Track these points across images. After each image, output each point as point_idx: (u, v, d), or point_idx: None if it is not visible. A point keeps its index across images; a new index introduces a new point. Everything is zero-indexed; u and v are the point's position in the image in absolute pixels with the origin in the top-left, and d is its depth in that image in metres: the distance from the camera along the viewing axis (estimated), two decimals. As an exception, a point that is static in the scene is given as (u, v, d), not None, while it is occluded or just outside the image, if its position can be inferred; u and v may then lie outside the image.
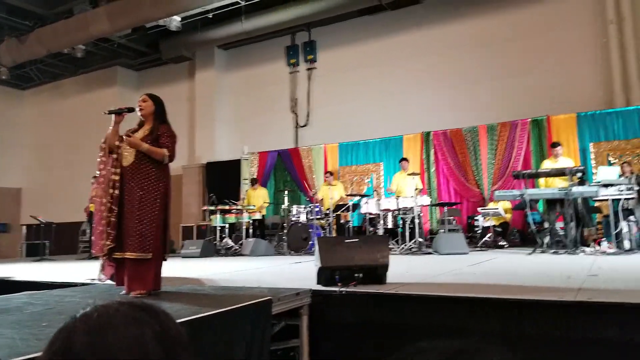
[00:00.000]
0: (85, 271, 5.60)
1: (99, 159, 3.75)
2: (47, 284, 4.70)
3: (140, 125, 3.82)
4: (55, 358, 0.70)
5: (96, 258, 3.91)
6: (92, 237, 3.74)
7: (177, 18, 11.64)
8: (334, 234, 9.25)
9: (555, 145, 7.86)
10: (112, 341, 0.69)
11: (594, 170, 8.97)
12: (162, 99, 3.89)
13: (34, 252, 12.02)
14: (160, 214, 3.63)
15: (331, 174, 10.57)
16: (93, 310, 0.75)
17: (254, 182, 11.30)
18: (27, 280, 5.06)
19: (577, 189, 6.74)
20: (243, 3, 11.57)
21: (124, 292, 3.58)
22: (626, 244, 6.51)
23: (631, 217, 6.75)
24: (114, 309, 0.76)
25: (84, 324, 0.72)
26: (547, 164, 7.79)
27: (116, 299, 0.81)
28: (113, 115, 3.78)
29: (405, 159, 9.71)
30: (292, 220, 9.26)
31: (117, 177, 3.64)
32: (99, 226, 3.64)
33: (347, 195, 10.11)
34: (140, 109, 3.77)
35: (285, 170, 12.69)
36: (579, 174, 6.93)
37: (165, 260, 3.76)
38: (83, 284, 4.48)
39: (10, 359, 1.69)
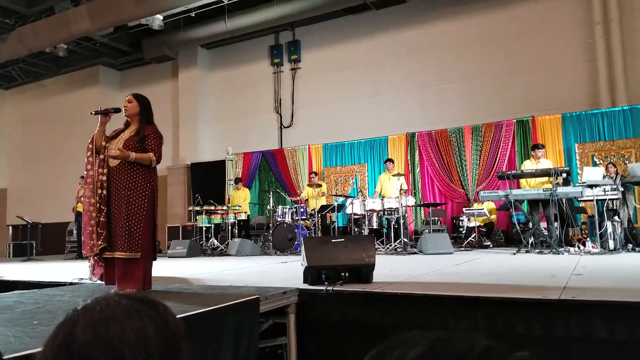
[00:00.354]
0: (73, 271, 5.57)
1: (86, 159, 3.73)
2: (36, 283, 4.67)
3: (126, 125, 3.83)
4: (58, 351, 0.69)
5: (84, 258, 3.89)
6: (82, 237, 3.72)
7: (160, 17, 11.57)
8: (319, 235, 9.25)
9: (536, 147, 7.95)
10: (114, 333, 0.69)
11: (579, 171, 9.09)
12: (147, 99, 3.88)
13: (21, 253, 11.91)
14: (148, 214, 3.65)
15: (316, 174, 10.58)
16: (94, 302, 0.75)
17: (237, 181, 11.28)
18: (16, 280, 5.03)
19: (562, 190, 6.83)
20: (226, 2, 11.52)
21: (113, 291, 3.55)
22: (610, 244, 6.60)
23: (615, 218, 6.85)
24: (115, 302, 0.76)
25: (86, 316, 0.72)
26: (528, 165, 7.89)
27: (115, 293, 0.80)
28: (99, 116, 3.75)
29: (390, 160, 9.74)
30: (277, 221, 9.25)
31: (104, 178, 3.65)
32: (88, 226, 3.63)
33: (331, 195, 10.13)
34: (126, 110, 3.76)
35: (270, 171, 12.67)
36: (564, 175, 7.01)
37: (155, 259, 3.76)
38: (72, 284, 4.46)
39: (5, 355, 1.69)
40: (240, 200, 10.66)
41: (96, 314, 0.72)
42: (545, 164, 7.71)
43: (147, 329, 0.71)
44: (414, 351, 0.55)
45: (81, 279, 4.54)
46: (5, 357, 1.66)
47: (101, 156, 3.69)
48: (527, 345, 2.71)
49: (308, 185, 10.50)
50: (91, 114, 3.82)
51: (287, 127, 13.31)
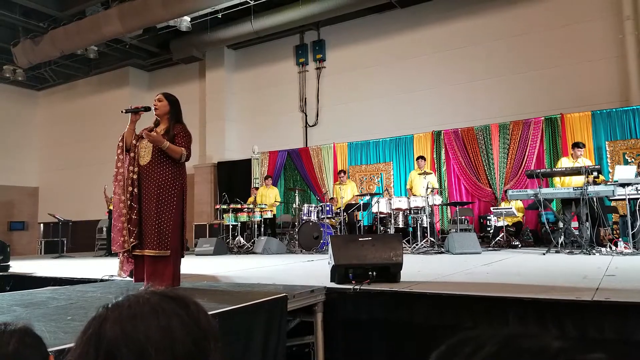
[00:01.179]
0: (104, 268, 5.68)
1: (116, 157, 3.80)
2: (68, 280, 4.79)
3: (156, 124, 3.88)
4: (87, 345, 0.72)
5: (114, 255, 3.97)
6: (112, 234, 3.80)
7: (187, 18, 11.71)
8: (345, 233, 9.25)
9: (577, 145, 7.64)
10: (140, 330, 0.71)
11: (609, 169, 8.87)
12: (177, 98, 3.93)
13: (52, 250, 12.22)
14: (177, 212, 3.70)
15: (344, 172, 10.58)
16: (125, 299, 0.77)
17: (267, 178, 11.34)
18: (49, 276, 5.16)
19: (593, 189, 6.64)
20: (252, 3, 11.60)
21: (145, 287, 3.61)
22: (643, 244, 6.43)
23: (648, 217, 6.66)
24: (144, 299, 0.77)
25: (115, 313, 0.74)
26: (565, 163, 7.67)
27: (148, 289, 0.82)
28: (130, 114, 3.81)
29: (421, 157, 9.57)
30: (303, 219, 9.28)
31: (135, 176, 3.70)
32: (118, 223, 3.69)
33: (357, 195, 10.10)
34: (156, 109, 3.82)
35: (295, 169, 12.71)
36: (595, 173, 6.83)
37: (183, 257, 3.81)
38: (103, 280, 4.55)
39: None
40: (271, 198, 10.69)
41: (125, 310, 0.74)
42: (583, 163, 7.41)
43: (173, 329, 0.72)
44: (485, 350, 0.54)
45: (111, 275, 4.62)
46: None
47: (132, 154, 3.75)
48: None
49: (336, 183, 10.46)
50: (122, 112, 3.89)
51: (312, 125, 13.33)
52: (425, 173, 8.89)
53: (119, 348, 0.70)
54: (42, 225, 15.55)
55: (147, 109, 3.88)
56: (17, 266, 6.62)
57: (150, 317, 0.73)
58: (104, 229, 11.84)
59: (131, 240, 3.61)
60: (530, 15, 10.82)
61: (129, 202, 3.65)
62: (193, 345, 0.73)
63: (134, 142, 3.77)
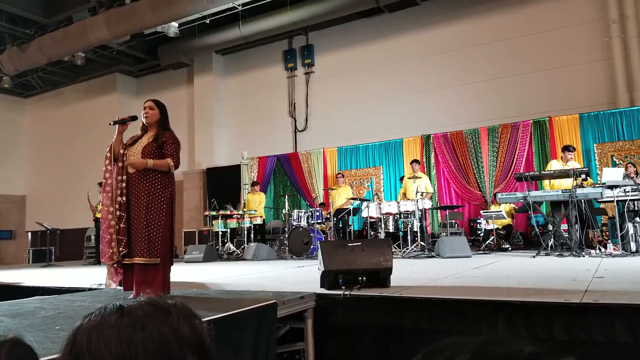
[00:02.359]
0: (92, 277, 5.63)
1: (104, 168, 3.77)
2: (56, 289, 4.73)
3: (144, 131, 3.85)
4: (64, 353, 0.74)
5: (103, 264, 3.93)
6: (100, 246, 3.77)
7: (175, 24, 11.68)
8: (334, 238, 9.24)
9: (567, 149, 7.66)
10: (102, 341, 0.72)
11: (598, 172, 8.94)
12: (165, 106, 3.92)
13: (40, 259, 12.10)
14: (167, 219, 3.69)
15: (342, 176, 10.61)
16: (101, 309, 0.78)
17: (254, 184, 11.32)
18: (36, 286, 5.10)
19: (581, 191, 6.69)
20: (240, 8, 11.59)
21: (131, 296, 3.59)
22: (632, 246, 6.48)
23: (637, 219, 6.69)
24: (118, 309, 0.77)
25: (86, 321, 0.76)
26: (555, 165, 7.70)
27: (131, 299, 0.81)
28: (117, 125, 3.79)
29: (415, 161, 9.53)
30: (292, 225, 9.26)
31: (124, 185, 3.69)
32: (106, 234, 3.67)
33: (350, 198, 10.09)
34: (146, 116, 3.79)
35: (285, 175, 12.69)
36: (583, 176, 6.89)
37: (172, 264, 3.79)
38: (91, 289, 4.50)
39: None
40: (256, 204, 10.69)
41: (95, 319, 0.75)
42: (573, 166, 7.41)
43: (133, 340, 0.72)
44: (459, 357, 0.54)
45: (100, 284, 4.57)
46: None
47: (120, 164, 3.73)
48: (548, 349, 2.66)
49: (331, 188, 10.38)
50: (110, 124, 3.86)
51: (302, 130, 13.33)
52: (415, 177, 8.90)
53: (83, 356, 0.71)
54: (29, 233, 15.38)
55: (134, 118, 3.87)
56: (4, 276, 6.54)
57: (114, 327, 0.73)
58: (92, 237, 11.74)
59: (120, 249, 3.58)
60: (517, 20, 10.91)
61: (117, 212, 3.63)
62: (163, 356, 0.72)
63: (121, 151, 3.75)
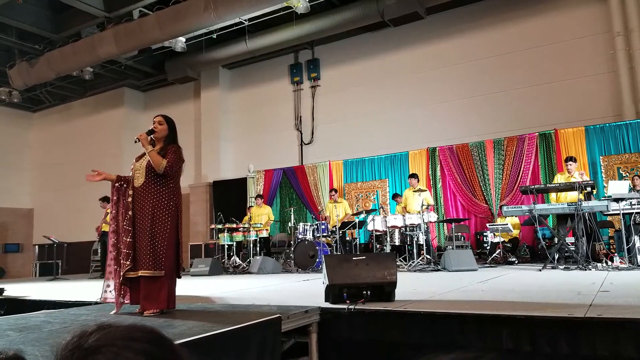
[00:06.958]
0: (98, 290, 5.61)
1: (111, 201, 3.86)
2: (62, 303, 4.75)
3: (152, 145, 3.87)
4: None
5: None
6: (107, 261, 3.80)
7: (182, 39, 11.83)
8: (340, 252, 9.22)
9: (570, 160, 7.65)
10: None
11: (604, 184, 8.91)
12: (174, 122, 3.96)
13: (48, 272, 12.15)
14: (172, 232, 3.69)
15: (336, 191, 10.57)
16: (82, 328, 0.79)
17: (258, 197, 11.34)
18: (43, 300, 5.12)
19: (587, 204, 6.66)
20: (247, 23, 11.72)
21: (137, 310, 3.62)
22: (639, 259, 6.43)
23: (644, 232, 6.67)
24: (94, 331, 0.78)
25: (67, 340, 0.78)
26: (559, 179, 7.70)
27: (111, 322, 0.81)
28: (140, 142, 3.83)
29: (413, 176, 9.60)
30: (298, 238, 9.26)
31: (130, 199, 3.71)
32: (113, 251, 3.70)
33: (353, 214, 10.08)
34: (156, 131, 3.82)
35: (291, 188, 12.72)
36: (589, 189, 6.86)
37: (180, 278, 3.78)
38: (97, 303, 4.52)
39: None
40: (261, 217, 10.70)
41: (72, 339, 0.77)
42: (580, 177, 7.33)
43: None
44: None
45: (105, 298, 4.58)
46: None
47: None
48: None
49: (329, 202, 10.49)
50: (135, 142, 3.82)
51: (308, 143, 13.38)
52: (420, 190, 8.90)
53: None
54: (37, 247, 15.45)
55: (152, 132, 3.86)
56: (12, 289, 6.57)
57: (85, 350, 0.74)
58: (99, 251, 11.79)
59: (127, 263, 3.60)
60: (522, 33, 10.95)
61: (125, 227, 3.67)
62: None
63: (131, 166, 3.84)
